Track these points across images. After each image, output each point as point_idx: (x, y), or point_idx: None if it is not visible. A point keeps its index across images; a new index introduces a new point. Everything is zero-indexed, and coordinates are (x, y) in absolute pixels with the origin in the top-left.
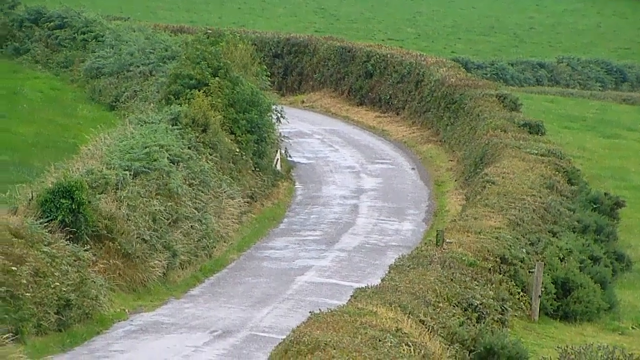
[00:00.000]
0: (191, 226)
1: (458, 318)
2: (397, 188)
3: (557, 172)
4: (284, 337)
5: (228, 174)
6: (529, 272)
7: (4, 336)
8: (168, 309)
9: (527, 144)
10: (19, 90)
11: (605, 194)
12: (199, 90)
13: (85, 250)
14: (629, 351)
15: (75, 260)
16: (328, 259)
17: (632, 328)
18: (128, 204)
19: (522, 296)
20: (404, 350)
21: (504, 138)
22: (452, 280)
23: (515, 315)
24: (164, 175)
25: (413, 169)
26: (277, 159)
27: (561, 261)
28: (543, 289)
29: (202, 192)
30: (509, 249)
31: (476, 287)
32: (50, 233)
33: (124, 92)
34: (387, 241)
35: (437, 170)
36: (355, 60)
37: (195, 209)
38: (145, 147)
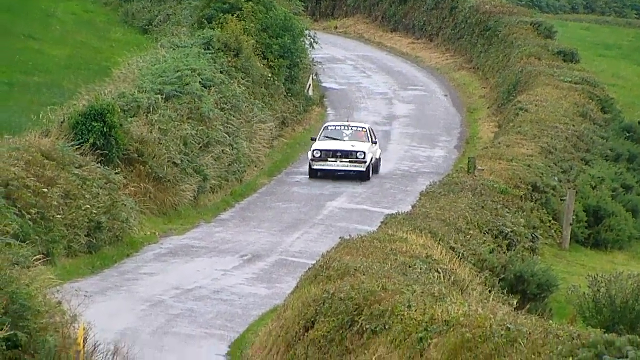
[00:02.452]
0: (222, 150)
1: (488, 245)
2: (429, 115)
3: (590, 100)
4: (314, 262)
5: (260, 99)
6: (561, 200)
7: (35, 258)
8: (198, 233)
9: (561, 72)
10: (52, 12)
11: (639, 122)
12: (232, 15)
13: (116, 173)
14: None
15: (106, 183)
16: (359, 185)
17: None
18: (159, 128)
19: (553, 224)
20: (433, 276)
21: (537, 65)
22: (483, 207)
23: (546, 243)
24: (196, 99)
25: (445, 95)
26: (310, 84)
27: (593, 189)
28: (574, 217)
29: (233, 116)
30: (540, 177)
31: (507, 214)
32: (82, 155)
33: (156, 16)
34: (419, 168)
35: (469, 97)
36: None
37: (227, 133)
38: (177, 71)
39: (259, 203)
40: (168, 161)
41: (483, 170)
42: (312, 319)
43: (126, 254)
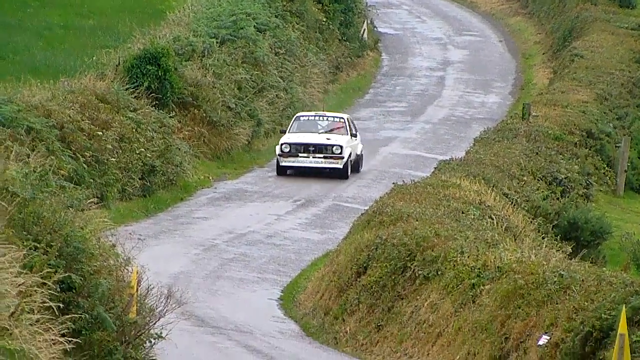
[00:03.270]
0: (276, 95)
1: (542, 192)
2: (484, 60)
3: None
4: (367, 208)
5: (314, 44)
6: (615, 146)
7: (89, 201)
8: (251, 177)
9: (617, 18)
10: None
11: None
12: None
13: (171, 117)
14: None
15: (160, 127)
16: (413, 131)
17: None
18: (214, 72)
19: (607, 171)
20: (486, 222)
21: (593, 11)
22: (537, 153)
23: (600, 190)
24: (250, 44)
25: (501, 41)
26: (364, 29)
27: None
28: (629, 164)
29: (287, 61)
30: (595, 123)
31: (561, 161)
32: (136, 99)
33: None
34: (473, 114)
35: (524, 43)
36: None
37: (281, 77)
38: (232, 15)
39: None
40: (222, 105)
41: (537, 116)
42: (365, 265)
43: (180, 198)
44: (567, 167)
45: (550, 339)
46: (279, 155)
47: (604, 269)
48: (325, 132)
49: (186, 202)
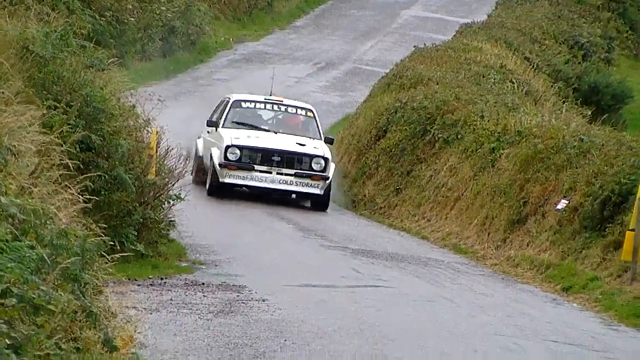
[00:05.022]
0: None
1: (564, 56)
2: None
3: None
4: (387, 71)
5: None
6: (639, 10)
7: (109, 61)
8: (272, 40)
9: None
10: None
11: None
12: None
13: None
14: None
15: None
16: None
17: None
18: None
19: (630, 34)
20: (507, 86)
21: None
22: (559, 17)
23: (622, 54)
24: None
25: None
26: None
27: None
28: None
29: None
30: None
31: (584, 24)
32: None
33: None
34: None
35: None
36: None
37: None
38: None
39: (333, 10)
40: None
41: None
42: (384, 128)
43: (200, 59)
44: (589, 31)
45: (569, 203)
46: (219, 165)
47: (624, 133)
48: (281, 131)
49: (206, 64)
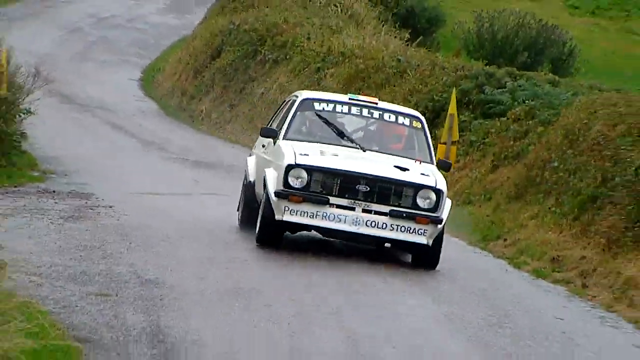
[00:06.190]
0: None
1: None
2: None
3: None
4: None
5: None
6: None
7: None
8: None
9: None
10: None
11: None
12: None
13: None
14: (539, 17)
15: None
16: None
17: None
18: None
19: None
20: (331, 10)
21: None
22: None
23: None
24: None
25: None
26: None
27: None
28: None
29: None
30: None
31: None
32: None
33: None
34: None
35: None
36: None
37: None
38: None
39: None
40: None
41: None
42: (219, 49)
43: None
44: None
45: None
46: (274, 194)
47: (438, 54)
48: (376, 149)
49: None
